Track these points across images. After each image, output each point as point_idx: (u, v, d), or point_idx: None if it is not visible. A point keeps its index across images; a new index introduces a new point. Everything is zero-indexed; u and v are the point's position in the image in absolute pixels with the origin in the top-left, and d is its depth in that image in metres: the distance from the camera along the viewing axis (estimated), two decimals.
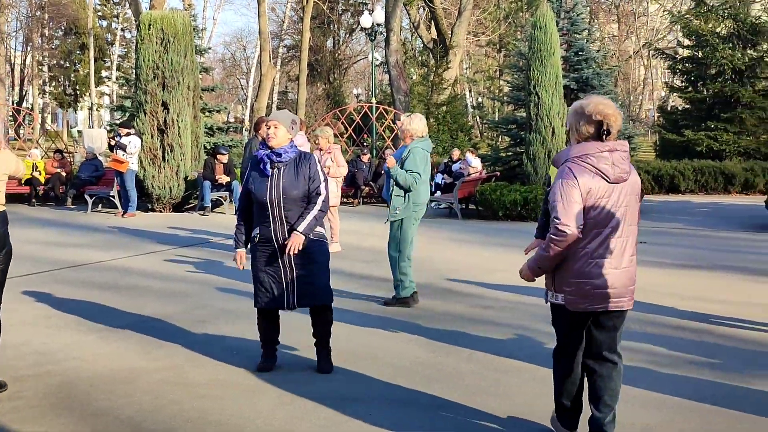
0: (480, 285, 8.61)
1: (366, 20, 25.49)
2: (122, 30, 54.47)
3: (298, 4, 46.83)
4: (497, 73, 45.54)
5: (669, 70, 29.80)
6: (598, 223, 3.79)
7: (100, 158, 19.19)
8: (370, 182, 19.14)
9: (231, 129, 27.30)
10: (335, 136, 14.07)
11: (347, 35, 54.84)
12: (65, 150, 22.49)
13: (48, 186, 18.20)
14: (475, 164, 19.39)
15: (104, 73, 53.70)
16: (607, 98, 4.00)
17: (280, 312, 5.53)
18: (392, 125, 22.44)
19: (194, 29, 21.65)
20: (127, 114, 22.05)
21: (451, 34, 32.15)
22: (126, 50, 53.36)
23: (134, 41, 20.49)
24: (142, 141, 15.88)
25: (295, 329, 6.01)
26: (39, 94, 53.21)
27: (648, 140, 37.55)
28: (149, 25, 16.36)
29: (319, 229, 5.36)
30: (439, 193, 18.33)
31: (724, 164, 22.53)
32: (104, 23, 55.60)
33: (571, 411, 4.09)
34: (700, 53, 25.96)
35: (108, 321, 6.85)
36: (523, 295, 7.70)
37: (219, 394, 4.97)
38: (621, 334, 4.04)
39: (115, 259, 10.28)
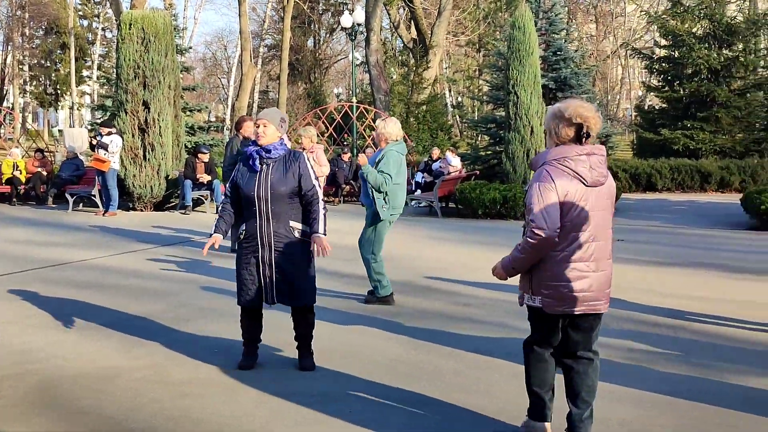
0: (460, 283, 8.66)
1: (346, 20, 25.57)
2: (103, 29, 54.20)
3: (279, 4, 46.85)
4: (477, 72, 45.70)
5: (646, 70, 29.97)
6: (576, 226, 3.81)
7: (81, 157, 19.16)
8: (351, 181, 19.24)
9: (212, 128, 27.29)
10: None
11: (328, 35, 54.92)
12: (46, 149, 22.40)
13: (29, 185, 18.12)
14: (454, 163, 19.52)
15: (85, 73, 53.42)
16: (586, 101, 4.03)
17: (264, 311, 5.53)
18: (372, 124, 22.53)
19: (175, 29, 21.65)
20: (108, 113, 22.02)
21: (431, 34, 32.28)
22: (107, 50, 53.12)
23: (115, 41, 20.48)
24: (123, 140, 15.91)
25: (277, 328, 6.02)
26: (20, 93, 52.81)
27: (625, 139, 37.81)
28: (130, 24, 16.37)
29: (303, 227, 5.36)
30: (419, 191, 18.47)
31: (700, 163, 22.82)
32: (85, 23, 55.32)
33: (542, 401, 4.07)
34: (677, 53, 26.25)
35: (89, 320, 6.84)
36: (503, 292, 7.71)
37: (200, 392, 4.95)
38: (597, 334, 4.06)
39: (96, 258, 10.27)
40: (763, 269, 9.42)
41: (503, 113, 18.81)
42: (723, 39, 25.57)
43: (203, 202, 16.73)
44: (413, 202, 17.56)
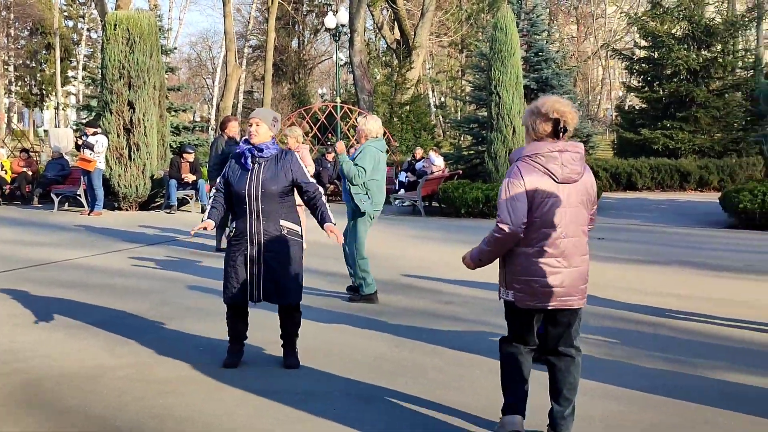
0: (442, 281, 8.72)
1: (330, 21, 25.58)
2: (88, 30, 54.00)
3: (263, 5, 46.87)
4: (459, 73, 45.79)
5: (626, 71, 29.98)
6: (546, 222, 3.82)
7: (66, 157, 19.17)
8: (335, 180, 19.33)
9: (197, 128, 27.24)
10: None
11: (312, 36, 54.94)
12: (31, 149, 22.42)
13: (14, 185, 18.15)
14: (437, 163, 19.59)
15: (70, 73, 53.17)
16: (563, 97, 4.04)
17: (250, 309, 5.55)
18: (356, 124, 22.61)
19: (160, 29, 21.65)
20: (94, 113, 22.01)
21: (414, 35, 32.38)
22: (92, 50, 52.96)
23: (100, 41, 20.48)
24: (108, 140, 15.97)
25: (261, 326, 6.06)
26: (5, 93, 52.47)
27: (606, 139, 37.96)
28: (115, 25, 16.45)
29: (294, 227, 5.40)
30: (402, 191, 18.56)
31: (679, 162, 22.93)
32: (70, 23, 55.07)
33: (516, 399, 4.06)
34: (656, 54, 26.31)
35: (75, 319, 6.85)
36: (485, 290, 7.76)
37: (185, 391, 4.96)
38: (577, 329, 4.06)
39: (82, 257, 10.29)
40: (741, 267, 9.49)
41: (485, 113, 18.88)
42: (702, 40, 25.66)
43: (188, 202, 16.78)
44: (397, 202, 17.70)
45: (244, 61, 50.36)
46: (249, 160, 5.32)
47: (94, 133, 15.53)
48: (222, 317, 5.63)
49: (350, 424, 4.41)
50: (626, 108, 33.41)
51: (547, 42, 23.61)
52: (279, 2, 39.47)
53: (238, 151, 5.42)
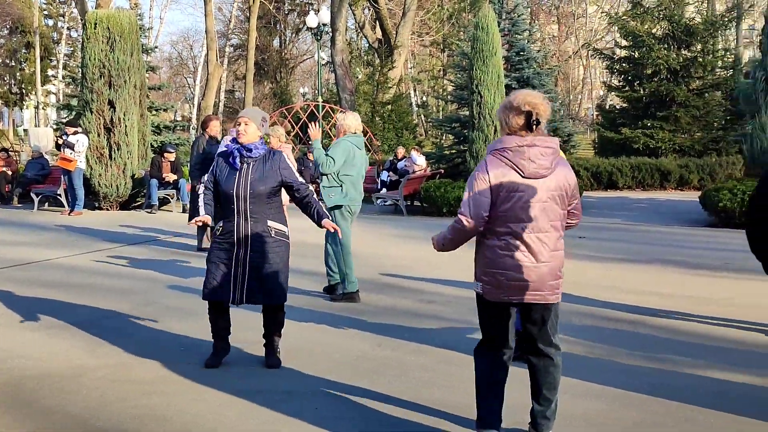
0: (424, 280, 8.75)
1: (312, 20, 25.59)
2: (68, 29, 53.67)
3: (245, 4, 46.75)
4: (441, 72, 45.92)
5: (607, 70, 30.13)
6: (512, 216, 3.82)
7: (46, 157, 19.08)
8: (317, 180, 19.30)
9: (178, 127, 27.14)
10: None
11: (293, 35, 54.92)
12: (11, 149, 22.29)
13: None
14: (419, 162, 19.63)
15: (50, 72, 52.81)
16: (537, 92, 4.01)
17: (232, 309, 5.52)
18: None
19: (141, 28, 21.57)
20: (74, 113, 21.90)
21: (396, 34, 32.41)
22: (72, 49, 52.64)
23: (80, 40, 20.38)
24: (89, 139, 15.89)
25: (244, 326, 6.05)
26: None
27: (587, 138, 38.15)
28: (95, 24, 16.37)
29: (281, 227, 5.39)
30: (384, 190, 18.59)
31: (660, 161, 23.10)
32: (50, 22, 54.68)
33: (490, 409, 4.02)
34: (637, 53, 26.48)
35: (55, 319, 6.84)
36: (467, 289, 7.69)
37: (166, 391, 4.96)
38: (555, 328, 4.04)
39: (62, 257, 10.27)
40: (721, 266, 9.53)
41: (467, 113, 18.94)
42: (682, 40, 25.85)
43: (169, 201, 16.73)
44: (379, 201, 17.72)
45: (226, 60, 50.28)
46: (237, 160, 5.28)
47: (75, 133, 15.46)
48: (202, 317, 5.64)
49: (332, 424, 4.40)
50: (607, 107, 33.60)
51: (528, 41, 23.67)
52: (260, 1, 39.44)
53: (226, 150, 5.37)
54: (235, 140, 5.36)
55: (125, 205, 16.82)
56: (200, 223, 5.31)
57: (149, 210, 16.23)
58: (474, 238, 4.04)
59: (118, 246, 11.29)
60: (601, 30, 49.47)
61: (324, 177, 7.58)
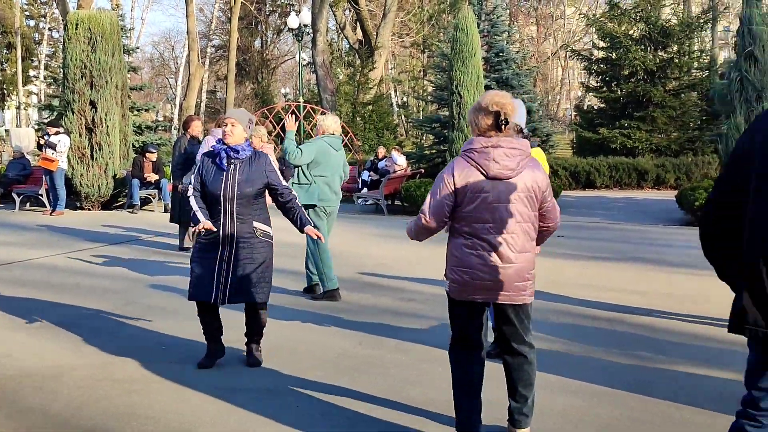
0: (404, 279, 8.78)
1: (293, 21, 25.60)
2: (50, 29, 53.25)
3: (226, 5, 46.75)
4: (421, 73, 45.97)
5: (585, 71, 30.31)
6: (477, 217, 3.83)
7: (27, 157, 19.05)
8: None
9: (160, 127, 27.12)
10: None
11: (275, 36, 54.86)
12: None
13: None
14: (400, 162, 19.69)
15: (32, 73, 52.39)
16: (505, 92, 4.03)
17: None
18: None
19: (122, 29, 21.59)
20: (56, 113, 21.88)
21: (377, 35, 32.48)
22: (54, 50, 52.29)
23: (62, 41, 20.37)
24: (70, 139, 15.93)
25: (225, 326, 5.85)
26: None
27: (565, 138, 38.31)
28: (77, 24, 16.41)
29: (266, 228, 5.39)
30: (365, 190, 18.65)
31: (637, 161, 23.32)
32: (32, 23, 54.22)
33: (468, 412, 4.02)
34: (614, 55, 26.68)
35: (36, 318, 6.83)
36: (445, 287, 7.91)
37: (148, 390, 4.95)
38: (527, 327, 4.03)
39: (44, 257, 10.25)
40: (697, 264, 9.42)
41: (447, 113, 19.03)
42: (658, 41, 26.07)
43: (151, 201, 16.76)
44: (360, 200, 17.84)
45: (207, 60, 50.23)
46: (225, 161, 5.27)
47: (57, 133, 15.49)
48: (184, 316, 5.63)
49: (313, 422, 4.43)
50: (585, 108, 33.79)
51: (507, 43, 23.84)
52: (242, 2, 39.44)
53: (213, 150, 5.35)
54: (220, 141, 5.34)
55: (107, 205, 16.86)
56: (203, 230, 5.23)
57: (131, 210, 16.28)
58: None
59: (100, 246, 11.30)
60: (579, 31, 49.77)
61: (296, 174, 7.68)
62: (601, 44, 28.27)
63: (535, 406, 4.16)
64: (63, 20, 26.75)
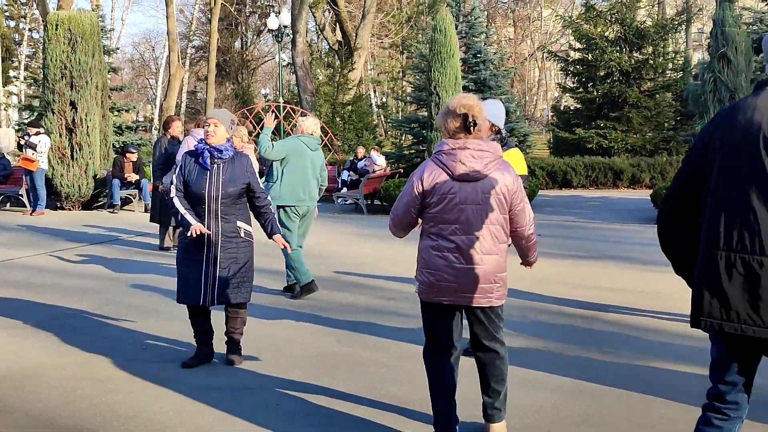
0: (384, 278, 8.80)
1: (273, 22, 25.58)
2: (30, 30, 52.87)
3: (206, 6, 46.70)
4: (400, 74, 45.98)
5: (561, 72, 30.38)
6: (443, 218, 3.85)
7: (8, 157, 19.01)
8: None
9: (140, 128, 27.11)
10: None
11: (255, 37, 54.84)
12: None
13: None
14: (379, 162, 19.78)
15: (12, 73, 51.99)
16: (472, 94, 4.04)
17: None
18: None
19: (102, 30, 21.56)
20: (36, 113, 21.86)
21: (356, 36, 32.57)
22: (34, 50, 51.97)
23: (42, 41, 20.35)
24: (50, 140, 15.97)
25: None
26: None
27: (542, 138, 38.42)
28: (57, 25, 16.41)
29: (249, 227, 5.41)
30: (345, 189, 18.73)
31: (612, 160, 23.50)
32: (11, 23, 53.83)
33: (444, 414, 4.02)
34: (590, 56, 26.89)
35: (17, 318, 6.80)
36: (416, 288, 7.95)
37: (129, 389, 4.94)
38: (498, 325, 4.03)
39: (24, 257, 10.22)
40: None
41: (426, 113, 19.16)
42: (633, 42, 26.32)
43: (131, 201, 16.77)
44: (339, 200, 17.95)
45: (187, 61, 50.14)
46: (208, 161, 5.28)
47: (37, 133, 15.51)
48: (164, 315, 5.63)
49: (293, 420, 4.44)
50: (562, 108, 33.91)
51: (485, 44, 23.93)
52: (222, 3, 39.43)
53: (196, 150, 5.35)
54: (202, 141, 5.34)
55: (87, 205, 16.86)
56: (197, 233, 5.19)
57: (111, 210, 16.33)
58: None
59: (80, 245, 11.29)
60: (555, 33, 49.98)
61: (270, 171, 7.82)
62: (578, 46, 28.48)
63: (513, 402, 4.23)
64: (43, 21, 26.68)
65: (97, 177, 16.70)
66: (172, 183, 5.42)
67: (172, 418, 4.48)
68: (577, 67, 27.91)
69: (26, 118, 27.28)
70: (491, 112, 5.24)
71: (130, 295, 7.89)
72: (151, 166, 11.40)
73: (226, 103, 44.69)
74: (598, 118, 26.12)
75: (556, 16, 36.70)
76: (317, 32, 43.47)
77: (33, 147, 15.26)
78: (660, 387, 5.00)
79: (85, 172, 16.48)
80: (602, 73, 26.50)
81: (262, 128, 7.98)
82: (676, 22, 28.25)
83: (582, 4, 29.52)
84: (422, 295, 3.99)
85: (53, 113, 16.40)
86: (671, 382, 5.11)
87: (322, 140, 8.28)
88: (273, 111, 8.45)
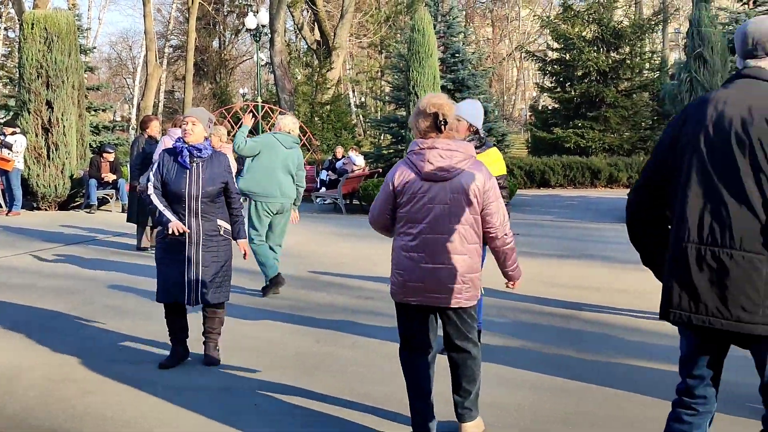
0: (363, 277, 8.83)
1: (251, 22, 25.53)
2: (5, 29, 52.45)
3: (184, 5, 46.48)
4: (379, 73, 46.05)
5: (540, 72, 30.66)
6: (411, 218, 3.86)
7: None
8: None
9: (117, 128, 26.96)
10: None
11: (233, 36, 54.63)
12: None
13: None
14: (358, 162, 19.88)
15: None
16: (442, 93, 4.04)
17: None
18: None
19: (79, 29, 21.41)
20: (11, 113, 21.67)
21: (334, 36, 32.53)
22: (9, 49, 51.44)
23: (17, 40, 20.19)
24: (26, 140, 15.84)
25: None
26: None
27: (521, 138, 38.69)
28: (32, 24, 16.30)
29: (228, 226, 5.43)
30: (323, 189, 18.79)
31: (590, 160, 23.68)
32: None
33: (421, 414, 4.02)
34: (568, 56, 27.13)
35: None
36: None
37: (105, 389, 4.92)
38: (471, 326, 4.00)
39: (0, 257, 10.17)
40: None
41: (404, 113, 19.22)
42: (611, 42, 26.55)
43: (108, 201, 16.70)
44: (318, 200, 17.98)
45: (165, 60, 49.85)
46: (188, 159, 5.25)
47: (13, 133, 15.39)
48: (141, 316, 5.60)
49: (271, 420, 4.44)
50: (540, 108, 34.15)
51: (463, 44, 23.99)
52: (199, 3, 39.25)
53: (174, 148, 5.31)
54: (180, 139, 5.30)
55: (64, 205, 16.74)
56: (178, 231, 5.16)
57: (88, 210, 16.22)
58: None
59: (57, 246, 11.24)
60: (533, 33, 50.23)
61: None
62: (555, 45, 28.69)
63: (492, 401, 4.25)
64: (19, 20, 26.48)
65: (74, 177, 16.59)
66: (149, 180, 5.35)
67: (149, 418, 4.48)
68: (555, 66, 28.10)
69: (2, 118, 26.95)
70: (469, 112, 5.26)
71: (106, 295, 7.85)
72: (128, 165, 11.34)
73: (204, 103, 44.49)
74: (575, 117, 26.32)
75: (534, 16, 36.96)
76: (295, 32, 43.37)
77: (8, 147, 15.15)
78: (638, 385, 5.04)
79: (62, 172, 16.38)
80: (580, 73, 26.70)
81: (240, 127, 7.97)
82: (653, 22, 28.51)
83: (560, 5, 29.70)
84: (393, 295, 3.99)
85: (29, 113, 16.28)
86: (649, 380, 5.14)
87: (301, 140, 8.27)
88: (251, 110, 8.43)
